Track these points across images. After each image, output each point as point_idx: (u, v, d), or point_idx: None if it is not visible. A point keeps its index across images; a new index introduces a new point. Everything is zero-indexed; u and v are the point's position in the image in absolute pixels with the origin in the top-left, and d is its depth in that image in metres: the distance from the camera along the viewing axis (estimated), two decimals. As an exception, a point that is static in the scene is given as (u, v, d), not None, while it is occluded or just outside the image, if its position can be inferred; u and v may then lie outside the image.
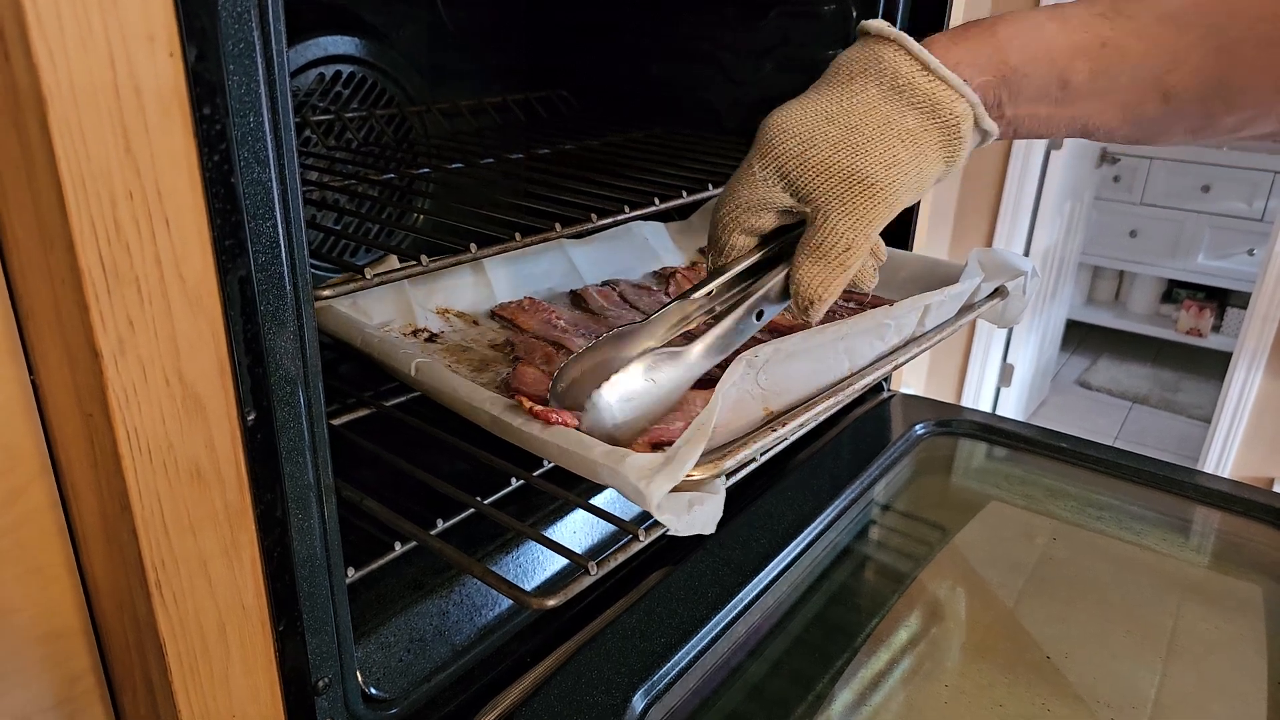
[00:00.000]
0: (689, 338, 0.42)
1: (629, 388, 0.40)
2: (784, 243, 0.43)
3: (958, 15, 0.72)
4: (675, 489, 0.37)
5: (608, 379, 0.40)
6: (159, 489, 0.30)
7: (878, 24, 0.39)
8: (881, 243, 0.43)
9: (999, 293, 0.57)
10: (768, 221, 0.42)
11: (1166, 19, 0.38)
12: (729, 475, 0.51)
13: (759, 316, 0.43)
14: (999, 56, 0.39)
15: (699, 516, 0.37)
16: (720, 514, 0.38)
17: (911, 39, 0.39)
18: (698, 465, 0.37)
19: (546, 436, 0.40)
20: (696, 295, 0.43)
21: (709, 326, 0.42)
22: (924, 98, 0.38)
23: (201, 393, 0.30)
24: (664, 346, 0.41)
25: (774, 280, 0.42)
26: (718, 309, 0.43)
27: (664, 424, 0.42)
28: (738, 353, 0.40)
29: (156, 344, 0.29)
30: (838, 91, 0.39)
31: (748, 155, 0.41)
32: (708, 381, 0.41)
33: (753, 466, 0.56)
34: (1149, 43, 0.38)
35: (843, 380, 0.45)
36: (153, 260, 0.28)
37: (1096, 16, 0.39)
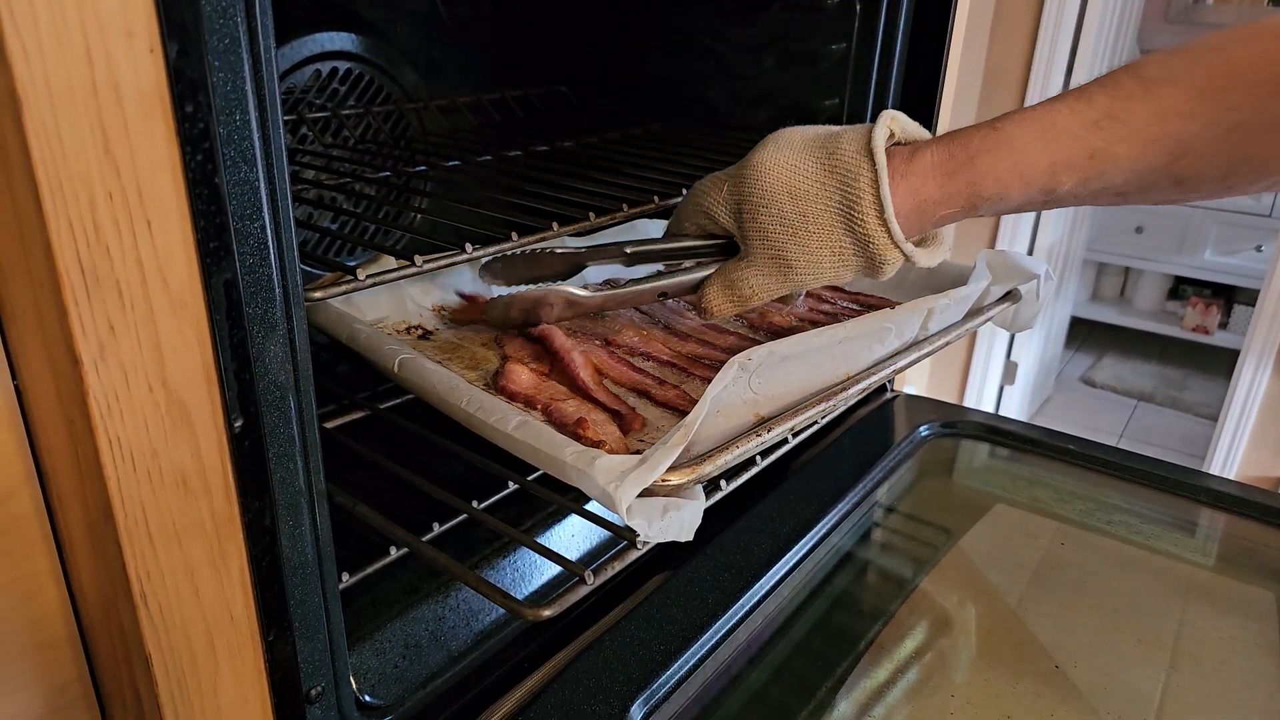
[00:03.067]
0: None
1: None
2: (720, 245, 0.50)
3: (961, 19, 0.71)
4: (652, 494, 0.36)
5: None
6: (143, 498, 0.29)
7: (878, 140, 0.42)
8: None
9: (1010, 296, 0.56)
10: (715, 228, 0.49)
11: (1169, 114, 0.38)
12: (727, 480, 0.51)
13: (663, 296, 0.51)
14: (972, 190, 0.42)
15: (674, 523, 0.36)
16: (699, 521, 0.37)
17: (887, 180, 0.42)
18: (676, 469, 0.36)
19: (519, 436, 0.39)
20: (633, 246, 0.50)
21: (623, 286, 0.51)
22: (867, 237, 0.43)
23: (186, 399, 0.29)
24: (573, 289, 0.50)
25: (690, 278, 0.49)
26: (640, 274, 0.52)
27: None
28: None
29: (139, 349, 0.28)
30: (814, 173, 0.44)
31: (727, 173, 0.48)
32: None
33: (754, 471, 0.55)
34: (1143, 145, 0.39)
35: (837, 385, 0.44)
36: (134, 263, 0.27)
37: (1088, 127, 0.39)
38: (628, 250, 0.50)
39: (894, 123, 0.43)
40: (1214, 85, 0.37)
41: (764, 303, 0.48)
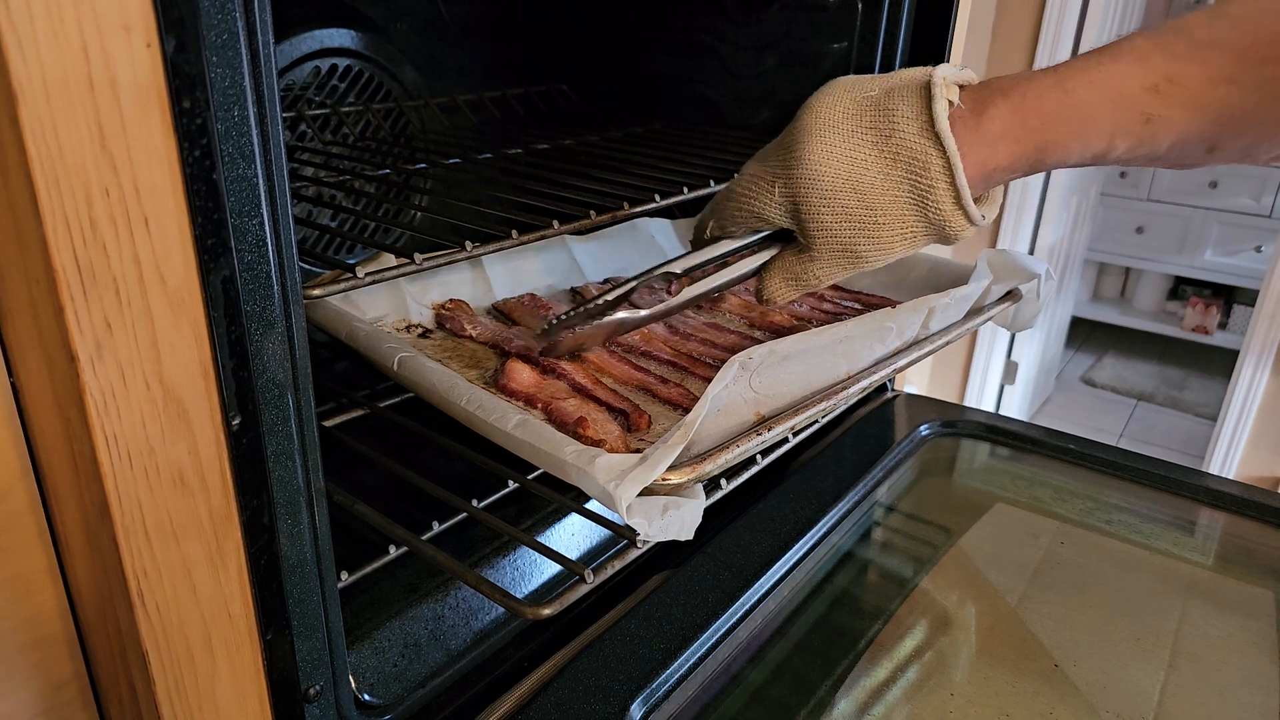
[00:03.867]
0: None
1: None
2: (772, 235, 0.48)
3: (963, 19, 0.71)
4: (653, 493, 0.35)
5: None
6: (140, 496, 0.29)
7: (943, 121, 0.39)
8: None
9: (1011, 295, 0.56)
10: (766, 226, 0.47)
11: (1217, 80, 0.37)
12: (727, 479, 0.51)
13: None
14: (1037, 157, 0.40)
15: (674, 522, 0.36)
16: (699, 520, 0.37)
17: (961, 166, 0.39)
18: (676, 468, 0.36)
19: (519, 434, 0.39)
20: (683, 263, 0.48)
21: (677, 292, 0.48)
22: (942, 221, 0.41)
23: (184, 397, 0.29)
24: (627, 314, 0.47)
25: (744, 271, 0.48)
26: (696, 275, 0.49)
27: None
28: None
29: (136, 347, 0.28)
30: (875, 162, 0.41)
31: (772, 168, 0.44)
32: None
33: (754, 470, 0.55)
34: (1192, 111, 0.38)
35: (838, 384, 0.44)
36: (131, 260, 0.27)
37: (1148, 91, 0.38)
38: (678, 271, 0.48)
39: (947, 87, 0.40)
40: (1258, 54, 0.36)
41: (827, 286, 0.47)
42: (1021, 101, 0.39)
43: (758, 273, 0.48)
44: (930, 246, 0.46)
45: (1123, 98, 0.38)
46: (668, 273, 0.48)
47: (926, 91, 0.40)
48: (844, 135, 0.41)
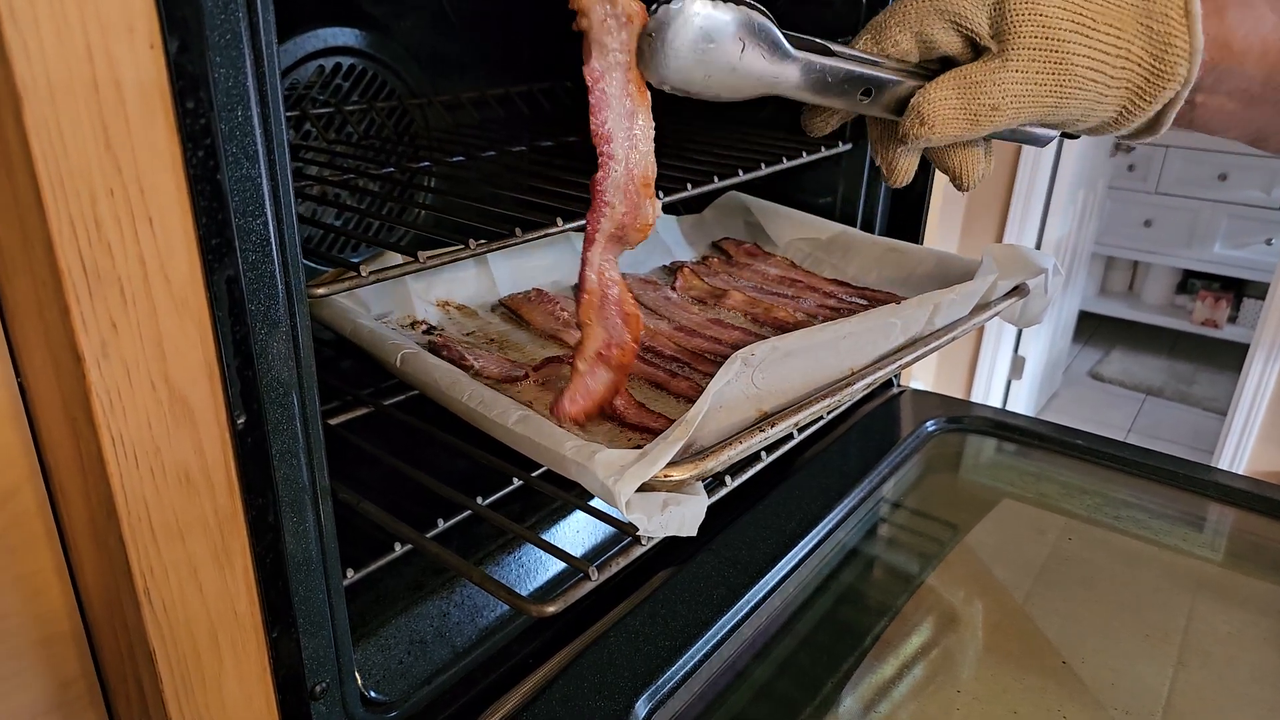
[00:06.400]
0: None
1: (719, 27, 0.34)
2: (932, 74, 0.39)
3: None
4: (655, 489, 0.35)
5: None
6: (146, 495, 0.29)
7: None
8: (993, 157, 0.42)
9: (1018, 291, 0.56)
10: (944, 40, 0.37)
11: None
12: (732, 476, 0.51)
13: (866, 94, 0.38)
14: (1222, 40, 0.37)
15: (674, 517, 0.36)
16: (701, 517, 0.37)
17: None
18: (677, 465, 0.35)
19: (520, 430, 0.39)
20: (844, 49, 0.38)
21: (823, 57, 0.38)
22: (1165, 34, 0.36)
23: (189, 396, 0.29)
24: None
25: (906, 84, 0.38)
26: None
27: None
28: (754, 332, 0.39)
29: (141, 347, 0.28)
30: None
31: None
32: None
33: (759, 466, 0.55)
34: None
35: (842, 380, 0.44)
36: (136, 260, 0.27)
37: None
38: (833, 48, 0.38)
39: None
40: None
41: (1007, 126, 0.38)
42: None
43: (906, 97, 0.38)
44: (933, 246, 0.45)
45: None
46: (825, 41, 0.37)
47: None
48: None
